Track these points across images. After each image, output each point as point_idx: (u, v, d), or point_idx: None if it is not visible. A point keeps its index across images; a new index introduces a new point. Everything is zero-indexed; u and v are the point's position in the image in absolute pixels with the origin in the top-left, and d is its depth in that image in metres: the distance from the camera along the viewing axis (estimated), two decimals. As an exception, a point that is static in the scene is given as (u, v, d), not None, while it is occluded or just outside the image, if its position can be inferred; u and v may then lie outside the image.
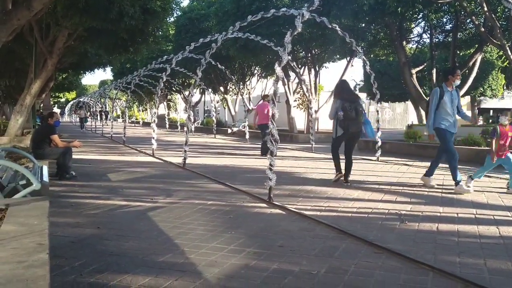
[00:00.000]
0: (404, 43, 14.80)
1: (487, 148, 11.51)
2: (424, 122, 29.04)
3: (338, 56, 20.49)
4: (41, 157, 7.27)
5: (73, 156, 8.23)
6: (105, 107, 37.24)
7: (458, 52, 15.51)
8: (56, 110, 58.03)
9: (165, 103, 41.92)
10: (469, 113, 35.35)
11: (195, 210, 5.38)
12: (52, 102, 45.57)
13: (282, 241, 4.10)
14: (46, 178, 5.13)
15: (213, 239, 4.12)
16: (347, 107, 7.12)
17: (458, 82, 7.07)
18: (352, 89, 7.92)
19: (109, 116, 31.25)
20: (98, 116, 35.03)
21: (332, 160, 7.84)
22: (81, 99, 43.18)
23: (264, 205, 5.76)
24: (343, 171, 7.53)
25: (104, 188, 6.96)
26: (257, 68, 27.26)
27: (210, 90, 26.94)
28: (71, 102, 55.18)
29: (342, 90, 7.55)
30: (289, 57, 6.87)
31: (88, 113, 42.22)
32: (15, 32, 10.37)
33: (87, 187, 7.06)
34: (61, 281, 3.04)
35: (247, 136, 19.33)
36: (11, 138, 12.71)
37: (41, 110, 24.08)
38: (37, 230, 2.50)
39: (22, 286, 1.69)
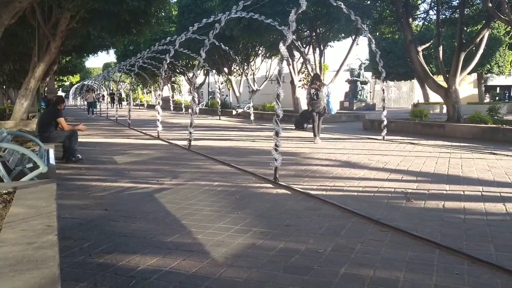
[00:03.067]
0: (410, 20, 14.54)
1: (493, 125, 11.44)
2: (431, 100, 28.90)
3: (343, 34, 20.22)
4: (47, 141, 7.29)
5: (79, 139, 8.26)
6: (110, 90, 36.28)
7: (465, 28, 15.26)
8: (60, 93, 57.93)
9: (169, 85, 41.81)
10: (475, 91, 35.17)
11: (201, 191, 5.41)
12: (56, 86, 45.48)
13: (288, 221, 4.11)
14: (52, 161, 5.16)
15: (220, 220, 4.14)
16: (312, 93, 10.63)
17: None
18: (320, 80, 11.30)
19: (120, 100, 29.22)
20: (108, 99, 32.08)
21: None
22: (85, 82, 42.81)
23: (270, 185, 5.77)
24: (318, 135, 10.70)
25: (111, 171, 6.99)
26: (261, 48, 27.01)
27: (214, 71, 26.77)
28: (75, 86, 55.05)
29: (312, 81, 11.13)
30: (294, 37, 6.86)
31: (101, 96, 38.96)
32: (17, 15, 10.31)
33: (94, 170, 7.10)
34: (71, 262, 3.08)
35: (252, 117, 19.29)
36: (16, 122, 12.76)
37: (45, 94, 24.04)
38: (45, 212, 2.52)
39: (32, 266, 1.71)
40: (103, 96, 40.61)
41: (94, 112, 28.71)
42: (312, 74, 18.75)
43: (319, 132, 10.80)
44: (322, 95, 10.65)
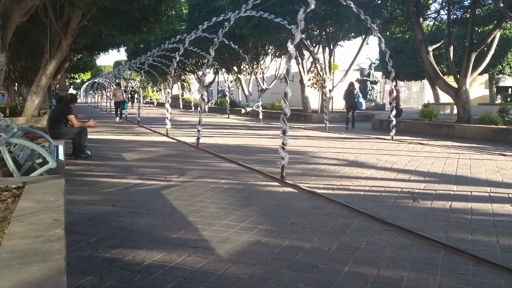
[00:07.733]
0: (421, 19, 14.43)
1: (504, 126, 11.34)
2: (441, 100, 28.62)
3: (353, 34, 20.15)
4: (57, 137, 7.37)
5: (89, 136, 8.34)
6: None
7: (476, 28, 15.12)
8: (72, 91, 58.25)
9: (179, 83, 41.92)
10: (486, 92, 34.77)
11: (208, 189, 5.44)
12: (68, 83, 45.84)
13: (294, 219, 4.13)
14: (62, 157, 5.21)
15: (226, 217, 4.17)
16: (345, 93, 15.70)
17: None
18: (352, 85, 15.88)
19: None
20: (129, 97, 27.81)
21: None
22: (96, 80, 43.03)
23: (277, 183, 5.79)
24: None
25: (119, 167, 7.05)
26: (270, 47, 27.02)
27: (223, 70, 26.79)
28: (86, 83, 55.49)
29: (348, 86, 15.80)
30: (303, 36, 6.90)
31: (133, 95, 33.69)
32: (29, 12, 10.39)
33: (102, 166, 7.17)
34: (78, 256, 3.13)
35: (261, 116, 19.29)
36: (28, 118, 12.89)
37: (56, 91, 24.21)
38: (53, 206, 2.56)
39: (39, 259, 1.75)
40: (132, 93, 34.61)
41: (122, 116, 20.31)
42: (321, 74, 18.84)
43: (354, 122, 15.48)
44: (351, 96, 15.34)
